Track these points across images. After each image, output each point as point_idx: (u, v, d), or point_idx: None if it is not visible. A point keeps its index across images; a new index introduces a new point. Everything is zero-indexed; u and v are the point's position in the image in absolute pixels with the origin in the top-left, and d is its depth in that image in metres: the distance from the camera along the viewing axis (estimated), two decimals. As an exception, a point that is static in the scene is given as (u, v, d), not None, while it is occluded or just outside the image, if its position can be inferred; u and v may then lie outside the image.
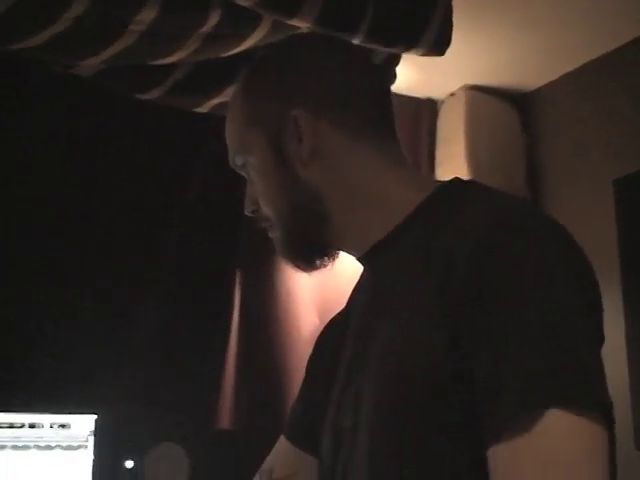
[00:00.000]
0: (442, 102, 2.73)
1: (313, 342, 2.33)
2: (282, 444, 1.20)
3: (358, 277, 1.15)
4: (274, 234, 1.10)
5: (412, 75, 2.51)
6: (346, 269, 2.47)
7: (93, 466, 1.78)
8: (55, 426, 1.76)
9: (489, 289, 0.84)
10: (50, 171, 2.03)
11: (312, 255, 1.09)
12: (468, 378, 0.84)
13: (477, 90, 2.64)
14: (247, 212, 1.14)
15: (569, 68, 2.51)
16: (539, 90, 2.64)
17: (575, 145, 2.50)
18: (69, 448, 1.77)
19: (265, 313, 2.27)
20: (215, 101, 2.00)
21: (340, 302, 2.42)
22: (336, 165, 1.05)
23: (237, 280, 2.25)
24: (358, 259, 1.08)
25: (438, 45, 1.84)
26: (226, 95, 1.98)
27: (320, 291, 2.41)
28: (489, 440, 0.81)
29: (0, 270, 1.90)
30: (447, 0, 1.85)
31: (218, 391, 2.12)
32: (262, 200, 1.09)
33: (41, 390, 1.79)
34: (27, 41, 1.61)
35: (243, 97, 1.10)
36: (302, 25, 1.72)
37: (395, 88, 2.26)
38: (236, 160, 1.12)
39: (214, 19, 1.71)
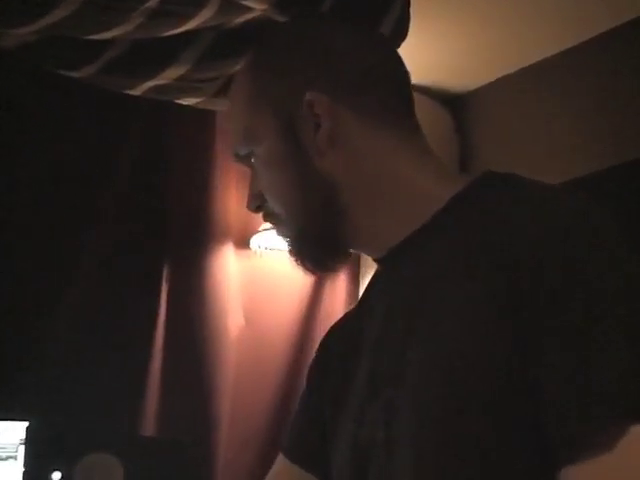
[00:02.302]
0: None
1: (240, 343, 2.25)
2: (282, 464, 1.08)
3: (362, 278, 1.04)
4: (283, 232, 0.99)
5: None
6: (274, 267, 2.40)
7: (23, 478, 1.62)
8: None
9: (563, 287, 0.76)
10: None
11: (326, 256, 0.98)
12: (533, 387, 0.75)
13: (416, 90, 2.57)
14: (250, 208, 1.01)
15: (507, 71, 2.48)
16: (475, 92, 2.60)
17: (509, 149, 2.47)
18: (-3, 458, 1.61)
19: (192, 312, 2.16)
20: (150, 83, 1.86)
21: (268, 302, 2.35)
22: (356, 155, 0.94)
23: (164, 278, 2.12)
24: (377, 260, 0.97)
25: (395, 37, 1.75)
26: (162, 78, 1.84)
27: (247, 291, 2.32)
28: (563, 457, 0.73)
29: None
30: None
31: (143, 396, 1.99)
32: (270, 194, 0.98)
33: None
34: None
35: (252, 76, 0.98)
36: (257, 7, 1.61)
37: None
38: (239, 149, 0.99)
39: (161, -7, 1.58)
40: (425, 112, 2.56)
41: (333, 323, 1.11)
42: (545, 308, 0.76)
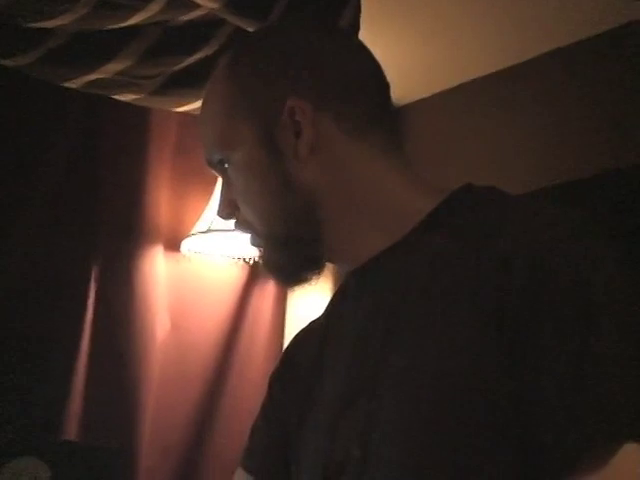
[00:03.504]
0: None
1: (165, 348, 2.20)
2: (240, 478, 1.02)
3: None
4: (255, 242, 0.95)
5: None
6: (203, 272, 2.36)
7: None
8: None
9: (550, 299, 0.75)
10: None
11: (301, 268, 0.95)
12: (522, 405, 0.74)
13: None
14: (221, 216, 0.98)
15: (445, 86, 2.50)
16: (411, 105, 2.60)
17: (446, 164, 2.49)
18: None
19: (118, 313, 2.09)
20: (90, 77, 1.80)
21: (195, 306, 2.31)
22: (337, 164, 0.92)
23: (92, 277, 2.05)
24: (352, 271, 0.95)
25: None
26: (103, 72, 1.78)
27: (175, 294, 2.27)
28: (553, 474, 0.72)
29: None
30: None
31: (67, 399, 1.92)
32: (244, 203, 0.94)
33: None
34: None
35: (228, 81, 0.95)
36: (206, 4, 1.57)
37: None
38: (213, 155, 0.95)
39: (109, -16, 1.53)
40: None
41: (297, 332, 1.08)
42: (533, 322, 0.75)
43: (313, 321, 1.06)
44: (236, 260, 2.38)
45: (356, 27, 1.73)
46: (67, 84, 1.82)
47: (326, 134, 0.92)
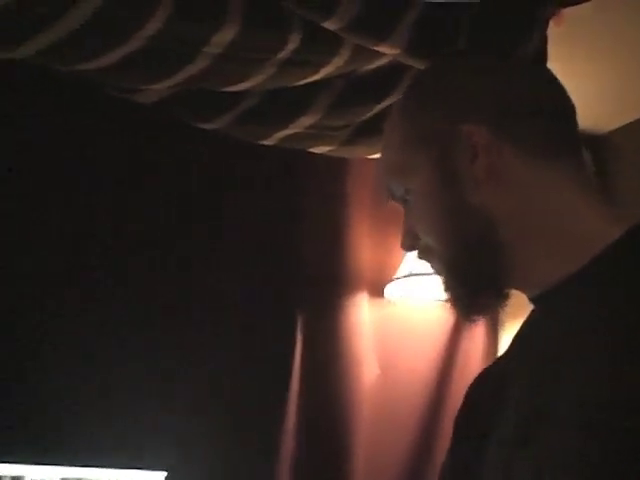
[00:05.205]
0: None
1: (374, 394, 2.20)
2: None
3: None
4: (437, 269, 0.95)
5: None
6: (409, 316, 2.35)
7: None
8: (122, 484, 1.61)
9: None
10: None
11: (480, 295, 0.93)
12: None
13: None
14: (404, 246, 0.99)
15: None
16: (615, 132, 2.49)
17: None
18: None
19: (326, 362, 2.12)
20: (284, 133, 1.87)
21: (403, 351, 2.30)
22: (515, 188, 0.90)
23: (298, 327, 2.10)
24: (531, 299, 0.92)
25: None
26: (297, 127, 1.84)
27: (381, 340, 2.27)
28: None
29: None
30: (542, 28, 1.71)
31: (278, 444, 1.97)
32: (424, 230, 0.95)
33: (108, 445, 1.65)
34: (96, 62, 1.48)
35: (404, 115, 0.98)
36: (389, 52, 1.59)
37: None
38: (394, 189, 0.98)
39: (294, 43, 1.58)
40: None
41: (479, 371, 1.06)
42: None
43: (500, 356, 1.03)
44: (442, 302, 2.35)
45: (541, 56, 1.69)
46: (263, 141, 1.90)
47: (503, 157, 0.91)
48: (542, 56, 1.70)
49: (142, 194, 1.99)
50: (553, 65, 2.08)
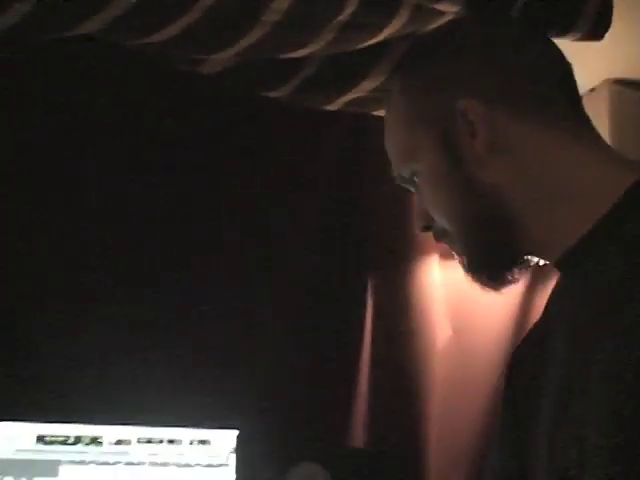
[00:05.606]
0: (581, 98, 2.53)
1: (447, 355, 2.21)
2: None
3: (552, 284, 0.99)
4: (455, 249, 0.96)
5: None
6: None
7: (235, 485, 1.68)
8: (195, 442, 1.65)
9: None
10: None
11: (501, 267, 0.94)
12: None
13: (622, 85, 2.43)
14: (418, 229, 1.00)
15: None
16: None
17: None
18: (210, 466, 1.66)
19: (397, 323, 2.13)
20: (347, 97, 1.87)
21: (476, 312, 2.29)
22: (519, 158, 0.90)
23: (368, 292, 2.11)
24: (554, 264, 0.92)
25: (597, 29, 1.67)
26: (359, 91, 1.85)
27: (454, 300, 2.27)
28: None
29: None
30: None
31: (351, 407, 2.00)
32: (435, 210, 0.96)
33: (181, 405, 1.69)
34: (157, 34, 1.51)
35: (401, 98, 0.99)
36: (449, 10, 1.57)
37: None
38: (402, 172, 0.99)
39: (351, 6, 1.58)
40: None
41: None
42: None
43: (536, 321, 1.03)
44: (514, 262, 2.33)
45: (604, 23, 1.65)
46: (326, 107, 1.91)
47: (503, 129, 0.90)
48: (607, 16, 1.67)
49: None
50: (617, 24, 2.04)
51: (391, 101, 1.01)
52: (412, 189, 1.01)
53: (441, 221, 0.97)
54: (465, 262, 0.98)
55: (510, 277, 0.97)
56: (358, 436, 1.98)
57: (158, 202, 1.89)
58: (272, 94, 1.85)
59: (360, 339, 2.07)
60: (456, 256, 1.00)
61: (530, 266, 0.98)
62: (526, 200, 0.90)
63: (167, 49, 1.59)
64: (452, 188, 0.93)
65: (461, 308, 2.28)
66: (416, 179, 0.98)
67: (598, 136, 0.93)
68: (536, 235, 0.92)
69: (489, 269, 0.96)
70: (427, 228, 1.01)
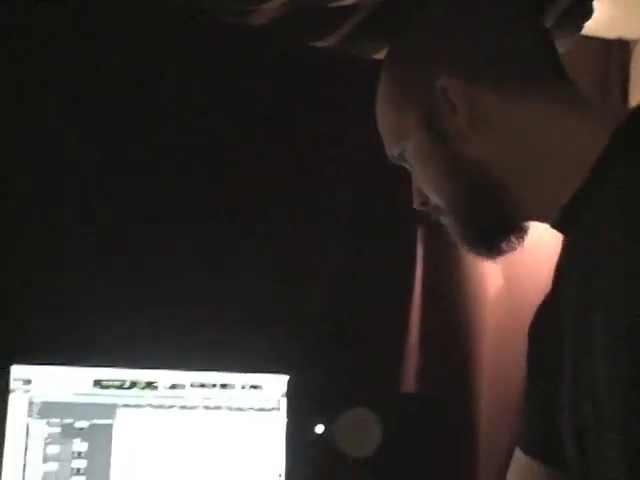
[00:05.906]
0: (636, 42, 2.49)
1: (498, 304, 2.20)
2: (521, 462, 1.03)
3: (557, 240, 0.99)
4: (447, 223, 0.98)
5: (601, 12, 2.27)
6: (533, 224, 2.33)
7: (287, 429, 1.71)
8: (247, 387, 1.70)
9: None
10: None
11: (496, 238, 0.96)
12: None
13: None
14: (416, 206, 1.03)
15: None
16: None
17: None
18: (261, 410, 1.70)
19: (449, 272, 2.14)
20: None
21: (527, 261, 2.28)
22: (500, 129, 0.92)
23: (418, 241, 2.12)
24: (553, 226, 0.93)
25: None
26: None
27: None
28: None
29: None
30: None
31: (402, 353, 2.02)
32: (427, 188, 0.99)
33: (232, 349, 1.73)
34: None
35: (387, 80, 1.01)
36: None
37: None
38: (393, 150, 1.01)
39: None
40: None
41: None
42: None
43: (549, 291, 1.04)
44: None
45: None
46: (374, 56, 1.91)
47: (483, 104, 0.92)
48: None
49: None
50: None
51: (381, 85, 1.04)
52: (407, 167, 1.04)
53: (433, 197, 1.00)
54: (458, 236, 0.99)
55: (506, 246, 0.99)
56: (409, 382, 2.01)
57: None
58: (320, 43, 1.85)
59: (411, 287, 2.09)
60: (450, 232, 1.02)
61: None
62: (513, 169, 0.92)
63: (211, 2, 1.60)
64: (439, 164, 0.96)
65: (512, 257, 2.26)
66: (407, 157, 1.00)
67: (577, 92, 0.95)
68: (529, 201, 0.94)
69: (482, 241, 0.98)
70: (424, 204, 1.03)
